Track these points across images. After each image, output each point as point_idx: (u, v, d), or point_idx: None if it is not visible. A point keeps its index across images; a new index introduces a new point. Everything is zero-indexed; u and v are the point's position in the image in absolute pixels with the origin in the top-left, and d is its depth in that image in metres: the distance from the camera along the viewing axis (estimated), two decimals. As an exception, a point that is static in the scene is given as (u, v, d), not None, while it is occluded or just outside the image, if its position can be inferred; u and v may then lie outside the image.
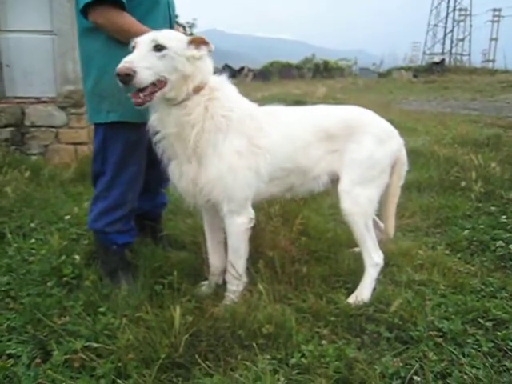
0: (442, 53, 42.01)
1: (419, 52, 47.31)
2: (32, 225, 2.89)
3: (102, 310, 1.96)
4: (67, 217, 2.97)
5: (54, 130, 4.81)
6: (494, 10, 46.23)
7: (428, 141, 5.55)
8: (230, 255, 2.10)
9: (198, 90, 1.90)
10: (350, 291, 2.20)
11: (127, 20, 1.98)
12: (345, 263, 2.40)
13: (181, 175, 2.00)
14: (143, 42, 1.77)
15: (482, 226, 2.98)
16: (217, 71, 2.03)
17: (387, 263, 2.39)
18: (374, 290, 2.18)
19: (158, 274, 2.25)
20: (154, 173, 2.38)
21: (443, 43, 45.80)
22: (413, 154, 4.68)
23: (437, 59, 30.67)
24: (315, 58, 28.21)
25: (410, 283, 2.27)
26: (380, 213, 2.41)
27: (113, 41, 2.04)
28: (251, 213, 2.09)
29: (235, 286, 2.09)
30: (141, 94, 1.75)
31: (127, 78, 1.67)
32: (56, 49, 4.80)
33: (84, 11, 1.97)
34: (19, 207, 3.21)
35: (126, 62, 1.68)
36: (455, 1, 46.65)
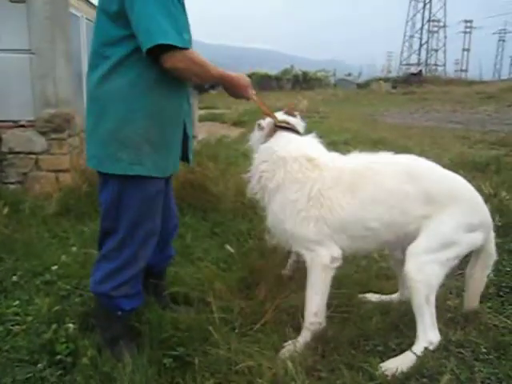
0: (418, 63, 42.96)
1: (394, 62, 48.35)
2: (14, 278, 2.56)
3: (104, 395, 1.67)
4: (54, 267, 2.64)
5: (33, 156, 4.49)
6: (466, 21, 47.74)
7: (426, 163, 5.40)
8: (308, 289, 2.05)
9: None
10: (381, 354, 1.98)
11: (203, 59, 1.79)
12: (372, 321, 2.17)
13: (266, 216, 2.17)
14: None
15: (508, 269, 2.79)
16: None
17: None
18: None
19: (166, 345, 1.96)
20: (166, 223, 2.14)
21: (419, 54, 46.88)
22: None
23: (414, 70, 31.25)
24: (294, 69, 28.31)
25: (446, 344, 2.05)
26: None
27: (153, 83, 1.80)
28: (335, 252, 2.00)
29: (308, 324, 2.03)
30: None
31: None
32: (34, 69, 4.48)
33: (154, 56, 1.70)
34: (-2, 254, 2.87)
35: None
36: (430, 12, 47.89)
